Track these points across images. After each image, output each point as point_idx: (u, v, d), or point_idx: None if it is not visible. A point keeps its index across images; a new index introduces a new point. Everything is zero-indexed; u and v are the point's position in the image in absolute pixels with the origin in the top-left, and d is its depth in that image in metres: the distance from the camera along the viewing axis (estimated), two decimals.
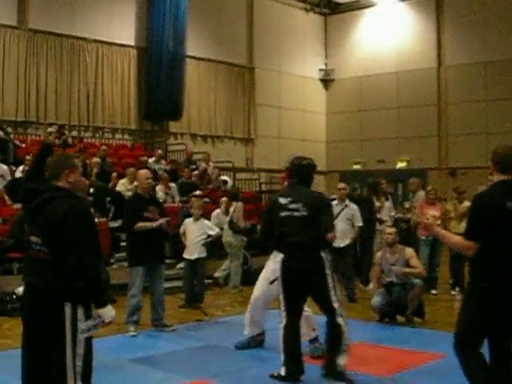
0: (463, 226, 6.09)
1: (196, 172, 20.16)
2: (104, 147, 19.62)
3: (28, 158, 16.47)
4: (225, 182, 21.24)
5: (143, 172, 10.76)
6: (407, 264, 10.82)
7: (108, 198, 15.27)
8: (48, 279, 4.81)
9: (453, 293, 12.34)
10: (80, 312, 4.86)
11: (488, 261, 5.57)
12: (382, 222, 15.05)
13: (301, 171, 7.45)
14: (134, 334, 9.97)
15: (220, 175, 21.43)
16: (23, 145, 19.08)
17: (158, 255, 10.24)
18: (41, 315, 4.83)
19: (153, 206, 10.21)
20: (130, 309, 10.09)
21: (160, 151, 21.08)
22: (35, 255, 4.91)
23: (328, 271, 7.36)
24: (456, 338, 5.72)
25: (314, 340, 8.53)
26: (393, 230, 11.24)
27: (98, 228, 5.33)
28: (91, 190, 15.09)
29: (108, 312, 4.97)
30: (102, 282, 5.08)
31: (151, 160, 19.75)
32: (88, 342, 4.95)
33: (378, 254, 11.32)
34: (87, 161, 17.33)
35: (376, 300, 10.91)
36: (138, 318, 10.18)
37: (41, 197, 5.00)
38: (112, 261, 14.05)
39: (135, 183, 13.93)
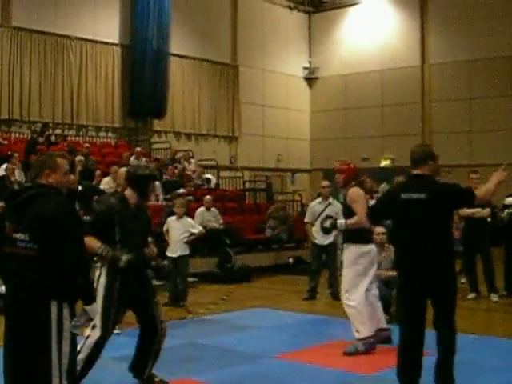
0: None
1: (176, 171, 20.15)
2: (87, 145, 19.59)
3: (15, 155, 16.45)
4: (208, 180, 21.24)
5: (123, 170, 10.70)
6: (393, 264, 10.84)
7: (95, 197, 15.25)
8: (34, 277, 4.76)
9: None
10: (66, 310, 4.84)
11: (397, 244, 6.82)
12: None
13: (133, 180, 7.20)
14: (118, 332, 9.93)
15: (204, 173, 21.43)
16: (6, 142, 19.02)
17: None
18: (26, 313, 4.79)
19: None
20: None
21: (139, 148, 21.06)
22: (20, 252, 4.82)
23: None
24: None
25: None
26: (382, 229, 11.18)
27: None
28: (79, 188, 15.08)
29: (94, 309, 5.00)
30: (90, 279, 5.07)
31: (133, 158, 19.71)
32: (73, 340, 4.93)
33: None
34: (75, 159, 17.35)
35: None
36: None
37: (25, 194, 4.96)
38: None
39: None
